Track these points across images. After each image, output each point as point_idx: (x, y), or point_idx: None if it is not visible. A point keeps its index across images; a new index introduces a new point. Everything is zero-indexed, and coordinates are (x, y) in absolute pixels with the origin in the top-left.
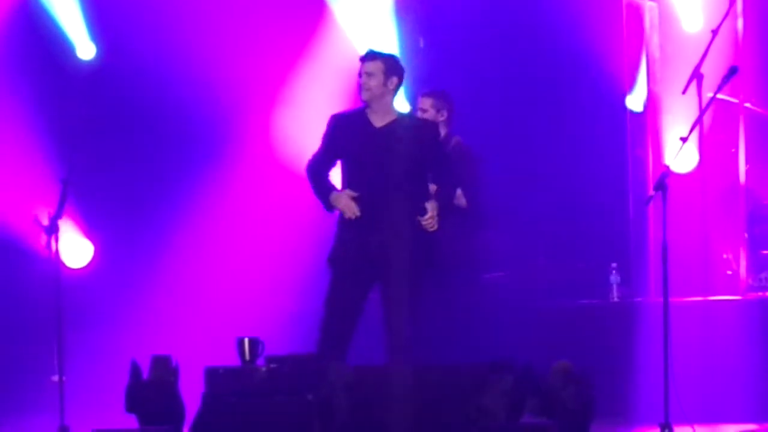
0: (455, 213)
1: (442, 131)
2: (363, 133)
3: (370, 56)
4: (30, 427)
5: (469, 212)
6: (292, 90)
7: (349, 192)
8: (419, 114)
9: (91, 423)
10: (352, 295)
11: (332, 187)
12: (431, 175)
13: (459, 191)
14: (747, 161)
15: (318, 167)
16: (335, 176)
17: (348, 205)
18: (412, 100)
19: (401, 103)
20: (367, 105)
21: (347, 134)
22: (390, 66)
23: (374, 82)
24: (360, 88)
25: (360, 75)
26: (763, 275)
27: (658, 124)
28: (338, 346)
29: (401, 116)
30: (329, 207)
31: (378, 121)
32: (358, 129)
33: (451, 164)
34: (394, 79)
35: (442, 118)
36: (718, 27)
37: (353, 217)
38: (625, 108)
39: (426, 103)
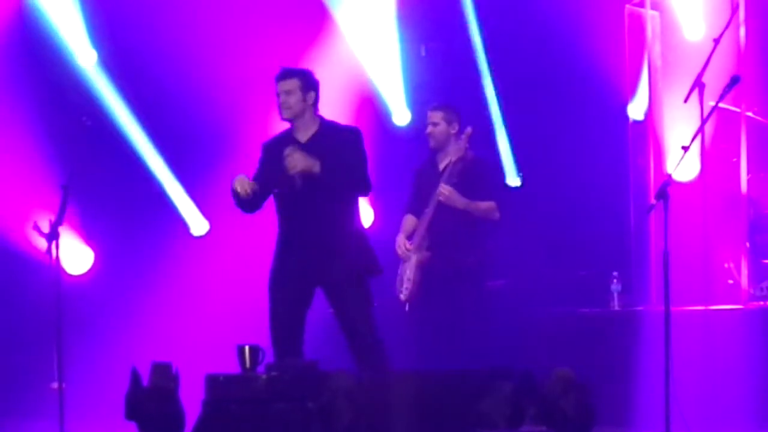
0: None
1: (454, 144)
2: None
3: (286, 74)
4: None
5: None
6: None
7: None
8: (430, 128)
9: (90, 430)
10: (290, 312)
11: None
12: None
13: (493, 205)
14: (749, 170)
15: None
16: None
17: (240, 181)
18: (415, 108)
19: (402, 113)
20: (290, 123)
21: (275, 155)
22: (306, 81)
23: (293, 100)
24: (279, 107)
25: (278, 95)
26: (764, 284)
27: (660, 132)
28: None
29: (323, 126)
30: (239, 201)
31: (302, 136)
32: (285, 147)
33: (360, 162)
34: (312, 94)
35: (453, 131)
36: (720, 36)
37: (243, 193)
38: (626, 116)
39: (437, 116)
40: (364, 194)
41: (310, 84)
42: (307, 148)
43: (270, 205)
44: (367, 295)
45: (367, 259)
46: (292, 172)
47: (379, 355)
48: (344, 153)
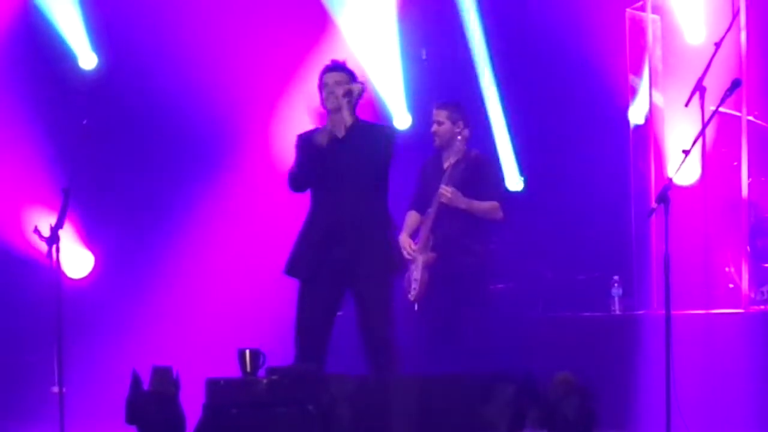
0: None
1: (459, 142)
2: (327, 145)
3: (338, 67)
4: None
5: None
6: (295, 101)
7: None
8: (435, 126)
9: None
10: (321, 305)
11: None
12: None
13: (496, 204)
14: (749, 174)
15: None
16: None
17: (323, 132)
18: (415, 110)
19: (403, 116)
20: (330, 116)
21: (313, 147)
22: (353, 78)
23: (340, 90)
24: (327, 97)
25: (325, 86)
26: (765, 288)
27: (661, 136)
28: (315, 359)
29: (359, 121)
30: (320, 153)
31: (339, 131)
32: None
33: (387, 165)
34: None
35: (458, 129)
36: (721, 40)
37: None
38: (627, 120)
39: (441, 115)
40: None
41: (355, 78)
42: (343, 140)
43: (262, 206)
44: (391, 299)
45: (394, 252)
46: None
47: (396, 363)
48: (376, 149)
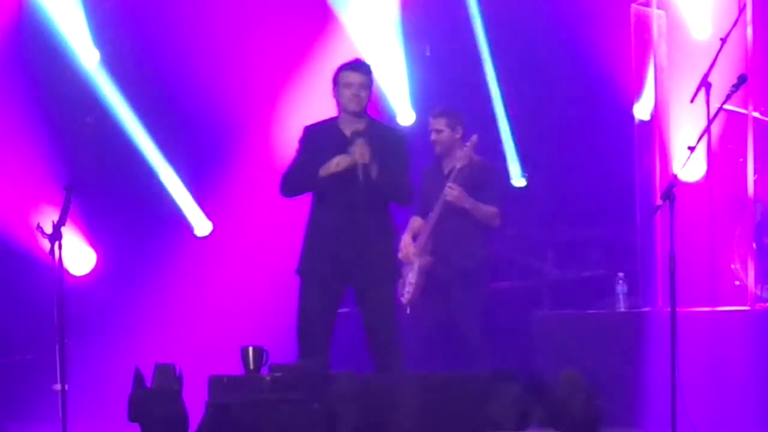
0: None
1: (460, 149)
2: (336, 141)
3: (368, 68)
4: None
5: (491, 228)
6: (298, 99)
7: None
8: (434, 135)
9: None
10: (323, 303)
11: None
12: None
13: (496, 211)
14: (755, 171)
15: (297, 171)
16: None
17: (340, 159)
18: (418, 109)
19: (407, 113)
20: (342, 114)
21: (321, 144)
22: (373, 81)
23: (365, 93)
24: (351, 99)
25: (349, 86)
26: None
27: (666, 133)
28: (318, 356)
29: (370, 122)
30: (319, 186)
31: (350, 129)
32: (331, 138)
33: (406, 172)
34: (371, 92)
35: (458, 135)
36: (727, 35)
37: (353, 162)
38: (632, 117)
39: (440, 123)
40: (404, 205)
41: (374, 83)
42: (354, 142)
43: (265, 204)
44: (394, 298)
45: (396, 256)
46: (360, 161)
47: (400, 361)
48: (389, 155)
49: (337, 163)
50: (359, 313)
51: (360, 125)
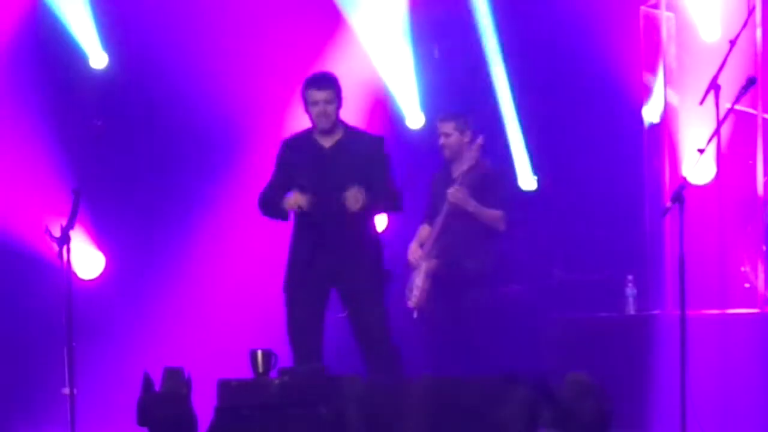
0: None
1: (468, 152)
2: (313, 154)
3: (326, 82)
4: None
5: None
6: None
7: (296, 192)
8: (443, 139)
9: None
10: (311, 312)
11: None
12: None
13: (500, 214)
14: (765, 173)
15: (271, 193)
16: None
17: (296, 199)
18: (428, 110)
19: (416, 115)
20: (317, 128)
21: (298, 157)
22: (339, 88)
23: (332, 108)
24: (317, 116)
25: (315, 104)
26: None
27: (675, 135)
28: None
29: (348, 132)
30: (284, 214)
31: (326, 141)
32: (308, 151)
33: (390, 179)
34: (341, 100)
35: (466, 139)
36: (736, 37)
37: (304, 207)
38: (641, 119)
39: (448, 127)
40: (397, 212)
41: (341, 90)
42: (331, 154)
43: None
44: (382, 300)
45: (382, 263)
46: (353, 209)
47: (395, 361)
48: (369, 163)
49: (294, 204)
50: (347, 320)
51: (336, 135)
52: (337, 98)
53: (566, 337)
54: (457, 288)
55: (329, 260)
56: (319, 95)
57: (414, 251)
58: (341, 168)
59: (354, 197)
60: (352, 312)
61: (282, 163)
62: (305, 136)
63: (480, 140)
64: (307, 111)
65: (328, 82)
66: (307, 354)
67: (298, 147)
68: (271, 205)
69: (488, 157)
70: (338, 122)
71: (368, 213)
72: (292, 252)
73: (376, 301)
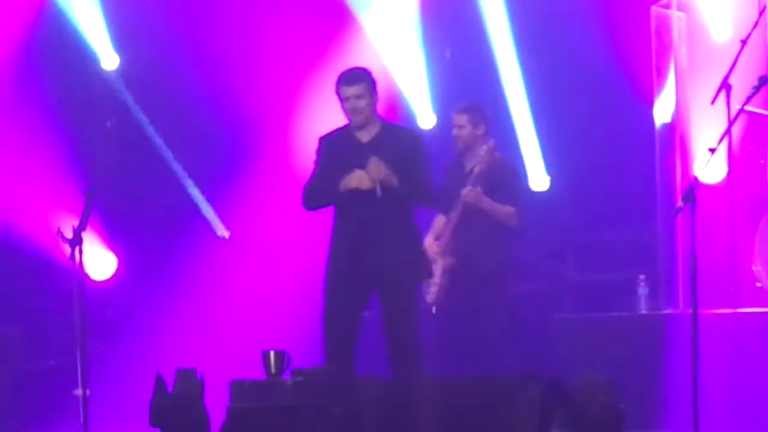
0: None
1: (480, 149)
2: (350, 149)
3: (356, 78)
4: None
5: (512, 229)
6: (317, 103)
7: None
8: (456, 131)
9: None
10: (348, 310)
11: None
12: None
13: (513, 210)
14: None
15: (317, 183)
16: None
17: (359, 176)
18: (440, 111)
19: (427, 115)
20: (352, 123)
21: (337, 153)
22: (373, 83)
23: (364, 103)
24: (349, 112)
25: (346, 99)
26: None
27: (687, 134)
28: (344, 363)
29: (385, 127)
30: (336, 197)
31: (364, 136)
32: (345, 146)
33: (427, 173)
34: (375, 95)
35: (479, 133)
36: (748, 37)
37: (364, 186)
38: (653, 118)
39: (462, 119)
40: (429, 206)
41: (375, 84)
42: (369, 148)
43: (285, 208)
44: (417, 301)
45: (422, 260)
46: (373, 183)
47: (417, 358)
48: (406, 157)
49: (358, 182)
50: (380, 316)
51: (373, 130)
52: (369, 93)
53: (579, 337)
54: (472, 287)
55: (369, 256)
56: (349, 91)
57: (430, 245)
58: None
59: (375, 168)
60: (385, 310)
61: (322, 158)
62: (343, 132)
63: (491, 143)
64: (342, 107)
65: (358, 77)
66: (339, 355)
67: (336, 143)
68: (318, 192)
69: (500, 153)
70: (374, 117)
71: (402, 204)
72: (333, 248)
73: (410, 301)
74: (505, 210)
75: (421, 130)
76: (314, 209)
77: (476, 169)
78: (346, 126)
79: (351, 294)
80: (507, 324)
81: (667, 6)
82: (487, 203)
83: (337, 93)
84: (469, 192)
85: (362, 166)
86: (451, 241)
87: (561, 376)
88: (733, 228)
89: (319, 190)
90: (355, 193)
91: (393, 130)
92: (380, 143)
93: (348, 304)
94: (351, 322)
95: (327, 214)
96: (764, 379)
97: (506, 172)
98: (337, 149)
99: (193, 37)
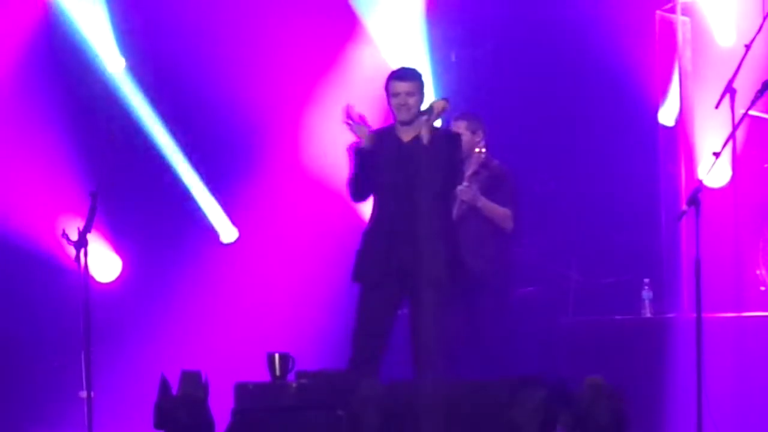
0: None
1: (480, 153)
2: (392, 148)
3: (410, 75)
4: None
5: (506, 232)
6: (324, 105)
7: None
8: None
9: None
10: (382, 310)
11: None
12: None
13: (509, 212)
14: None
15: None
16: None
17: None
18: (445, 114)
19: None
20: (398, 120)
21: (378, 150)
22: (423, 83)
23: (414, 101)
24: (397, 107)
25: (396, 95)
26: None
27: (691, 138)
28: (370, 363)
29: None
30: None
31: (406, 135)
32: (388, 144)
33: (461, 175)
34: (423, 96)
35: (478, 139)
36: (752, 41)
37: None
38: (657, 122)
39: (460, 126)
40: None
41: (423, 86)
42: (410, 148)
43: (291, 210)
44: (447, 302)
45: (459, 262)
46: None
47: (436, 361)
48: (445, 159)
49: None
50: (409, 316)
51: (416, 130)
52: (419, 92)
53: (583, 340)
54: (469, 289)
55: (404, 257)
56: (401, 86)
57: None
58: (419, 162)
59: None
60: (414, 310)
61: (364, 152)
62: (387, 130)
63: (481, 151)
64: (389, 103)
65: (411, 74)
66: (365, 358)
67: (379, 140)
68: (359, 178)
69: (502, 158)
70: (418, 118)
71: (446, 210)
72: (370, 245)
73: (440, 307)
74: (499, 211)
75: (459, 133)
76: (360, 198)
77: (472, 168)
78: (391, 124)
79: (386, 297)
80: (501, 325)
81: (672, 11)
82: (482, 201)
83: (387, 88)
84: (464, 189)
85: (401, 165)
86: None
87: (564, 380)
88: (737, 232)
89: (358, 177)
90: (396, 192)
91: (434, 131)
92: (420, 143)
93: (383, 306)
94: (384, 325)
95: (329, 216)
96: (767, 382)
97: (501, 177)
98: (379, 147)
99: (199, 38)
